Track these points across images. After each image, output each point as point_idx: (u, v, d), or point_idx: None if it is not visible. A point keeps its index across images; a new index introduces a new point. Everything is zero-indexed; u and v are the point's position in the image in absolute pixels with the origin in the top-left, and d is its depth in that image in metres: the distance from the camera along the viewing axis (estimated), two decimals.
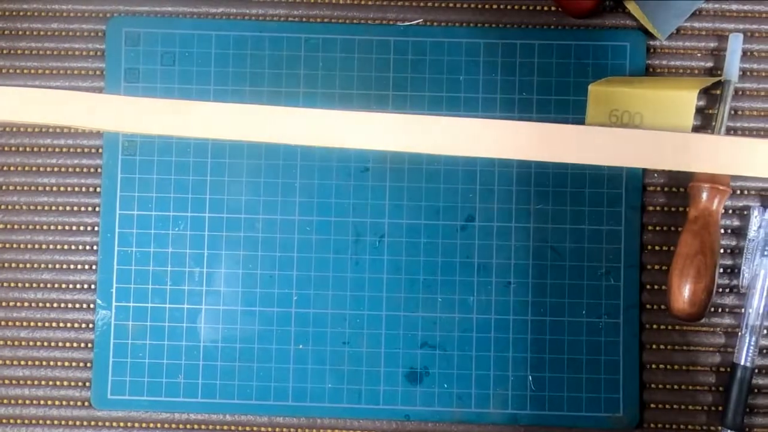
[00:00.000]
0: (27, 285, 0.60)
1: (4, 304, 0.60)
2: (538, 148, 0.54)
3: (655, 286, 0.59)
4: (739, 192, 0.59)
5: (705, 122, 0.59)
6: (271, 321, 0.58)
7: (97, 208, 0.60)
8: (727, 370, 0.58)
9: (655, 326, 0.59)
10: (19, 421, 0.59)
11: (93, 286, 0.59)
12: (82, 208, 0.60)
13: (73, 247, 0.60)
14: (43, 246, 0.60)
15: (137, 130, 0.55)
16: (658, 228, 0.59)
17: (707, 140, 0.54)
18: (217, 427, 0.59)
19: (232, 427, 0.59)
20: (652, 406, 0.58)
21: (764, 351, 0.58)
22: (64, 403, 0.59)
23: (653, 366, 0.58)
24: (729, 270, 0.59)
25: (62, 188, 0.60)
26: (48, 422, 0.59)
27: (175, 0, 0.60)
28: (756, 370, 0.58)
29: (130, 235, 0.59)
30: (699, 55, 0.60)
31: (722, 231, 0.58)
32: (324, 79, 0.60)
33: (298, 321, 0.58)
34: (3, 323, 0.60)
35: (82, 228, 0.60)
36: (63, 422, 0.59)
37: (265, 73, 0.60)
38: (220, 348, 0.58)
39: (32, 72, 0.61)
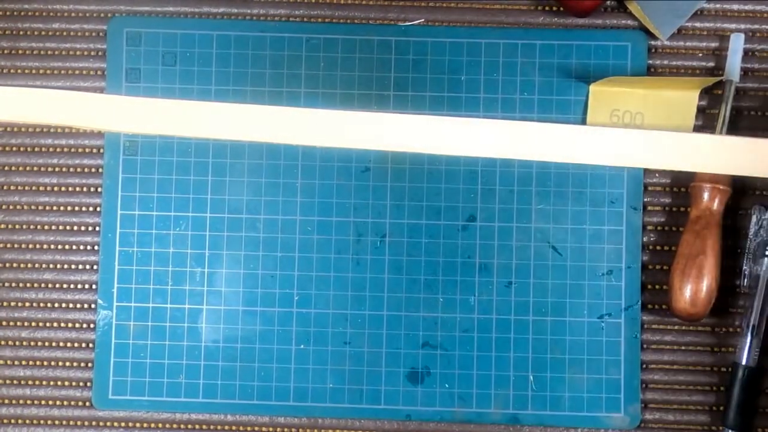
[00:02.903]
0: (28, 285, 0.60)
1: (5, 304, 0.60)
2: (540, 148, 0.54)
3: (657, 286, 0.59)
4: (740, 192, 0.59)
5: (706, 122, 0.59)
6: (272, 321, 0.58)
7: (98, 208, 0.60)
8: (728, 369, 0.58)
9: (656, 326, 0.59)
10: (20, 421, 0.59)
11: (94, 286, 0.59)
12: (84, 208, 0.60)
13: (74, 247, 0.60)
14: (45, 246, 0.60)
15: (139, 130, 0.55)
16: (659, 228, 0.59)
17: (708, 140, 0.54)
18: (218, 428, 0.59)
19: (233, 428, 0.59)
20: (653, 405, 0.58)
21: (765, 351, 0.58)
22: (65, 403, 0.59)
23: (654, 366, 0.58)
24: (730, 270, 0.59)
25: (63, 188, 0.60)
26: (49, 422, 0.59)
27: (177, 0, 0.60)
28: (757, 370, 0.57)
29: (132, 235, 0.59)
30: (700, 55, 0.60)
31: (723, 231, 0.58)
32: (325, 79, 0.60)
33: (300, 321, 0.58)
34: (4, 323, 0.60)
35: (83, 228, 0.60)
36: (64, 422, 0.59)
37: (266, 73, 0.60)
38: (222, 348, 0.58)
39: (33, 72, 0.61)
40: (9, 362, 0.59)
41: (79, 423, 0.59)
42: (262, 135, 0.55)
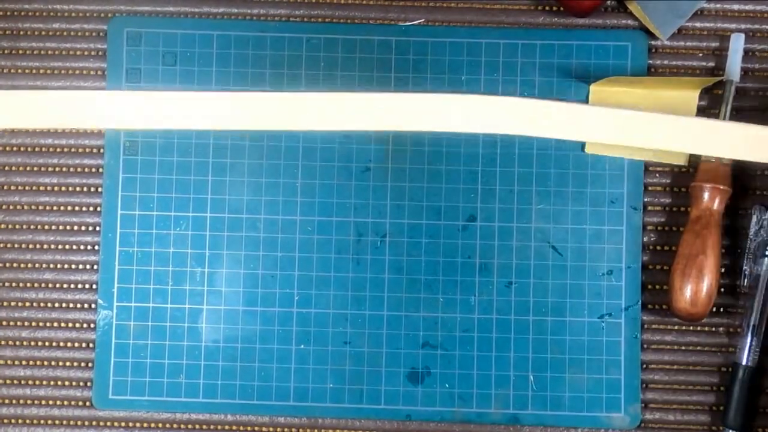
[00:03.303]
0: (28, 285, 0.60)
1: (5, 304, 0.60)
2: (540, 124, 0.52)
3: (657, 286, 0.59)
4: (740, 192, 0.59)
5: None
6: (272, 321, 0.58)
7: (98, 208, 0.60)
8: (728, 369, 0.58)
9: (656, 326, 0.59)
10: (20, 421, 0.59)
11: (94, 286, 0.59)
12: (84, 208, 0.60)
13: (74, 247, 0.60)
14: (45, 246, 0.60)
15: (141, 125, 0.55)
16: (659, 228, 0.59)
17: (710, 124, 0.53)
18: (219, 427, 0.59)
19: (234, 427, 0.59)
20: (654, 405, 0.58)
21: (765, 351, 0.58)
22: (65, 403, 0.59)
23: (654, 366, 0.58)
24: (730, 270, 0.59)
25: (64, 188, 0.60)
26: (49, 422, 0.59)
27: (177, 0, 0.60)
28: (757, 370, 0.57)
29: (132, 235, 0.59)
30: (700, 54, 0.60)
31: (723, 231, 0.58)
32: (325, 79, 0.60)
33: (300, 321, 0.58)
34: (4, 323, 0.60)
35: (83, 228, 0.60)
36: (64, 422, 0.59)
37: (266, 73, 0.60)
38: (222, 348, 0.58)
39: (34, 72, 0.61)
40: (9, 362, 0.59)
41: (79, 423, 0.59)
42: (260, 123, 0.54)
